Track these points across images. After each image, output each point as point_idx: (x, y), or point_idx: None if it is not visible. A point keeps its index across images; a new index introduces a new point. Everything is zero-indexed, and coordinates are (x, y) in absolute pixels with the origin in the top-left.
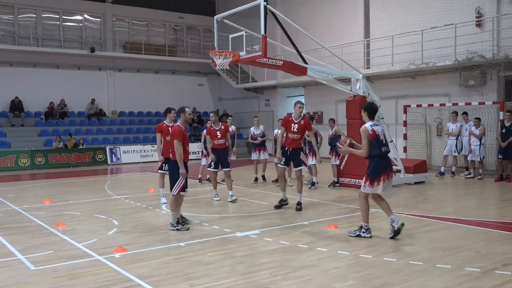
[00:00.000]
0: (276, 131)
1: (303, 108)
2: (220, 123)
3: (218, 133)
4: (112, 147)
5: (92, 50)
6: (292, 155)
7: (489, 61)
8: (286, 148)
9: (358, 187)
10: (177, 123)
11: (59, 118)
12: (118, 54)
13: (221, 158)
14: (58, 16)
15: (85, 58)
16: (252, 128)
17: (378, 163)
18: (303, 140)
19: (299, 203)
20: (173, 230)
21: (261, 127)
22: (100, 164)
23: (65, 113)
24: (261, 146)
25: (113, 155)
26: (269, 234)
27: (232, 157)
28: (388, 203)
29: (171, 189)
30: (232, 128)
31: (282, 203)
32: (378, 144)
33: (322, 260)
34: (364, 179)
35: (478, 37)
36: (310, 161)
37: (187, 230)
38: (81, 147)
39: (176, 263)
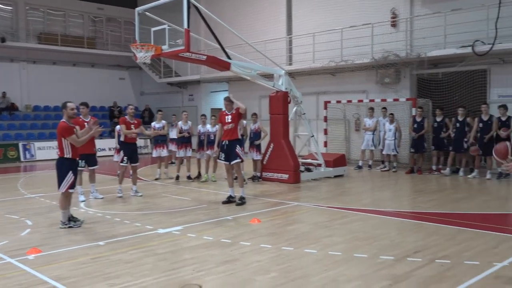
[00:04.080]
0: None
1: (229, 102)
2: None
3: (132, 126)
4: (26, 143)
5: (3, 40)
6: (229, 149)
7: (403, 60)
8: (223, 142)
9: (281, 181)
10: (62, 120)
11: None
12: (32, 45)
13: (133, 153)
14: None
15: None
16: (180, 123)
17: None
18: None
19: (240, 198)
20: (65, 228)
21: (189, 122)
22: (12, 162)
23: None
24: (188, 143)
25: (27, 152)
26: (192, 230)
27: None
28: None
29: (58, 187)
30: (257, 124)
31: (230, 200)
32: None
33: (245, 254)
34: None
35: (393, 37)
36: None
37: (80, 226)
38: None
39: (95, 263)
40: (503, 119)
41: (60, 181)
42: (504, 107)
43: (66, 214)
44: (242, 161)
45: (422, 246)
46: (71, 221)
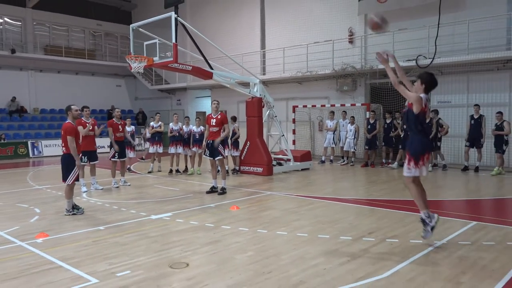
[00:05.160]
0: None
1: (217, 104)
2: (120, 119)
3: (120, 127)
4: (34, 141)
5: (13, 51)
6: (213, 147)
7: (358, 71)
8: (208, 141)
9: (256, 174)
10: (67, 121)
11: None
12: (39, 56)
13: (121, 149)
14: None
15: (5, 59)
16: (171, 124)
17: (423, 141)
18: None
19: (222, 188)
20: (69, 215)
21: (179, 123)
22: (22, 157)
23: None
24: (178, 141)
25: (35, 149)
26: (180, 216)
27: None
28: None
29: (64, 180)
30: (235, 125)
31: (213, 190)
32: (424, 120)
33: (225, 236)
34: (407, 161)
35: (350, 52)
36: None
37: (82, 213)
38: (2, 141)
39: (96, 245)
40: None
41: (66, 174)
42: (435, 111)
43: (70, 203)
44: (224, 157)
45: (375, 228)
46: (75, 209)
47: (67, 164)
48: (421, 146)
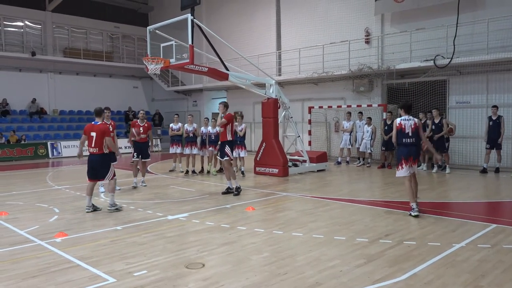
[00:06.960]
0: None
1: (223, 106)
2: (145, 120)
3: (141, 128)
4: (53, 142)
5: (33, 54)
6: (220, 148)
7: (375, 72)
8: (219, 142)
9: (272, 175)
10: (99, 122)
11: (1, 116)
12: (58, 58)
13: (142, 150)
14: None
15: (26, 61)
16: (186, 125)
17: (399, 150)
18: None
19: (236, 188)
20: (113, 210)
21: (194, 124)
22: (42, 158)
23: (7, 111)
24: (193, 142)
25: (54, 150)
26: (196, 216)
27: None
28: (413, 189)
29: (102, 178)
30: (243, 126)
31: (228, 191)
32: (401, 135)
33: (241, 237)
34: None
35: (366, 52)
36: (243, 153)
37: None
38: (23, 142)
39: (113, 245)
40: (436, 121)
41: (104, 172)
42: (436, 109)
43: (113, 197)
44: (230, 159)
45: (392, 230)
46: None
47: (103, 162)
48: (400, 153)
